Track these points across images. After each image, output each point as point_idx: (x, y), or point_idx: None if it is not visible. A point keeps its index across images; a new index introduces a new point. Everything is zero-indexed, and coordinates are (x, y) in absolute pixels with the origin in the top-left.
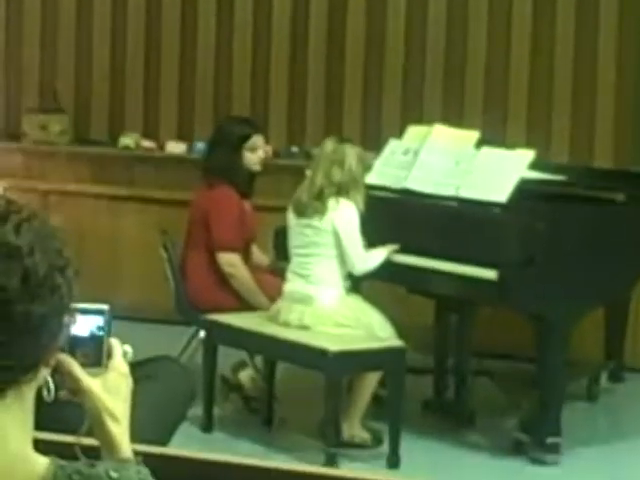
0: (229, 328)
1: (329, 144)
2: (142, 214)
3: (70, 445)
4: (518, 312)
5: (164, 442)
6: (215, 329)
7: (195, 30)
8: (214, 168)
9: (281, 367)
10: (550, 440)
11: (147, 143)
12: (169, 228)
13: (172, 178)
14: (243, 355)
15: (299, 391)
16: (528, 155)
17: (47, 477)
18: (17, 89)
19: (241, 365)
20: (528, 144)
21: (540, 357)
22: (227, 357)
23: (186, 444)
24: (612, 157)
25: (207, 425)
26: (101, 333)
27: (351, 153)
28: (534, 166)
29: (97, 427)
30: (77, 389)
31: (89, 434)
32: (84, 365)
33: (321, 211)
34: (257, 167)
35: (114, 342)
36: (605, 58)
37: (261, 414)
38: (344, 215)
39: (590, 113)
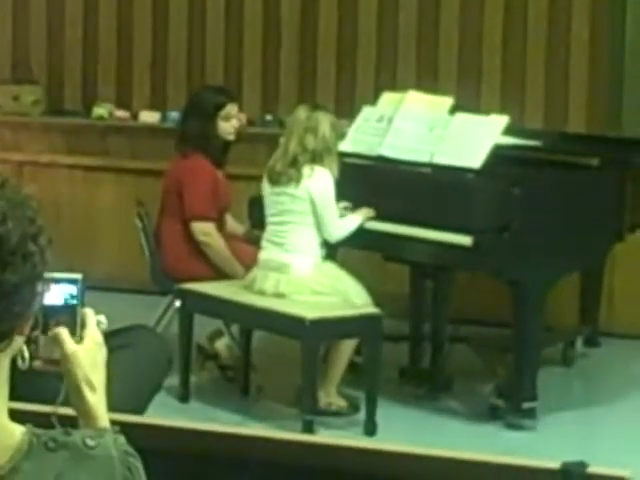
0: (204, 297)
1: (302, 111)
2: (117, 184)
3: (47, 415)
4: (493, 278)
5: (140, 411)
6: (190, 298)
7: None
8: (188, 137)
9: (257, 335)
10: (526, 405)
11: (121, 113)
12: (144, 198)
13: (146, 148)
14: (219, 324)
15: (275, 359)
16: (502, 121)
17: (22, 445)
18: None
19: (217, 334)
20: (502, 110)
21: (516, 322)
22: (203, 326)
23: (163, 414)
24: (586, 122)
25: (184, 394)
26: (75, 302)
27: (324, 120)
28: (508, 132)
29: (74, 396)
30: (61, 355)
31: (65, 404)
32: None
33: (296, 179)
34: (231, 136)
35: (88, 311)
36: (578, 22)
37: (238, 383)
38: (319, 182)
39: (563, 78)
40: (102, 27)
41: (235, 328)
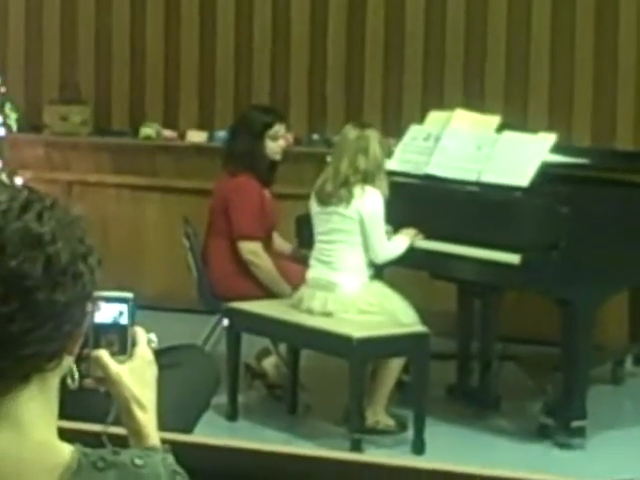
0: (252, 316)
1: (352, 131)
2: (164, 203)
3: (97, 434)
4: (542, 296)
5: (188, 430)
6: (238, 317)
7: (214, 19)
8: (236, 156)
9: (305, 354)
10: (575, 424)
11: (168, 133)
12: (191, 217)
13: (193, 167)
14: (267, 343)
15: (323, 378)
16: (550, 139)
17: (71, 465)
18: (38, 81)
19: (265, 353)
20: (550, 128)
21: (565, 341)
22: (251, 345)
23: (211, 432)
24: (633, 139)
25: (231, 413)
26: (125, 321)
27: (374, 139)
28: (556, 149)
29: (125, 415)
30: (105, 377)
31: (116, 423)
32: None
33: (347, 199)
34: (278, 156)
35: (138, 330)
36: (625, 40)
37: (285, 401)
38: (370, 203)
39: (611, 95)
40: (149, 47)
41: (282, 347)
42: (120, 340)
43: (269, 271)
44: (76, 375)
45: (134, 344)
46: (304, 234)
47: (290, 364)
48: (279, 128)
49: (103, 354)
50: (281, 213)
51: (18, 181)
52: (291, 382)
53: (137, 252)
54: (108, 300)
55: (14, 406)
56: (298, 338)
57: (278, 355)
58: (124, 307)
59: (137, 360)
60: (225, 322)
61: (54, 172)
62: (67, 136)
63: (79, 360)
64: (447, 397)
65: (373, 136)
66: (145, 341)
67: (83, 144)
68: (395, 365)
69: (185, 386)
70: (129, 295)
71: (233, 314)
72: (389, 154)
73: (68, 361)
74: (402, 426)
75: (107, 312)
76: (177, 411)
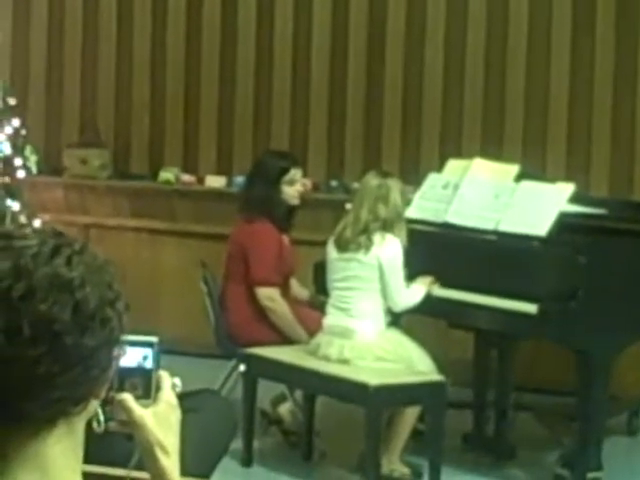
0: (269, 362)
1: (373, 179)
2: (182, 248)
3: (120, 478)
4: (559, 346)
5: (207, 475)
6: (255, 362)
7: (234, 65)
8: (252, 202)
9: (321, 401)
10: (591, 475)
11: (187, 177)
12: (209, 262)
13: (212, 212)
14: (283, 389)
15: (339, 425)
16: (568, 189)
17: None
18: (58, 124)
19: (281, 399)
20: (568, 178)
21: (582, 391)
22: (267, 391)
23: (227, 478)
24: None
25: (247, 459)
26: (149, 365)
27: (395, 188)
28: (574, 200)
29: (148, 460)
30: (129, 421)
31: (139, 467)
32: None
33: (366, 246)
34: (295, 201)
35: (163, 374)
36: None
37: (301, 448)
38: (390, 251)
39: (629, 146)
40: (169, 92)
41: (299, 393)
42: (144, 384)
43: (286, 317)
44: (102, 419)
45: (158, 388)
46: (322, 280)
47: (306, 410)
48: (295, 173)
49: (128, 398)
50: (299, 259)
51: (37, 223)
52: (307, 429)
53: (154, 296)
54: (133, 344)
55: (40, 448)
56: (314, 385)
57: (294, 401)
58: (149, 351)
59: (161, 404)
60: (242, 367)
61: (72, 215)
62: (86, 179)
63: (104, 403)
64: (463, 446)
65: (394, 185)
66: (169, 385)
67: (102, 187)
68: (411, 413)
69: (204, 431)
70: (154, 339)
71: (250, 359)
72: (408, 202)
73: (94, 405)
74: (418, 475)
75: (131, 356)
76: (198, 456)
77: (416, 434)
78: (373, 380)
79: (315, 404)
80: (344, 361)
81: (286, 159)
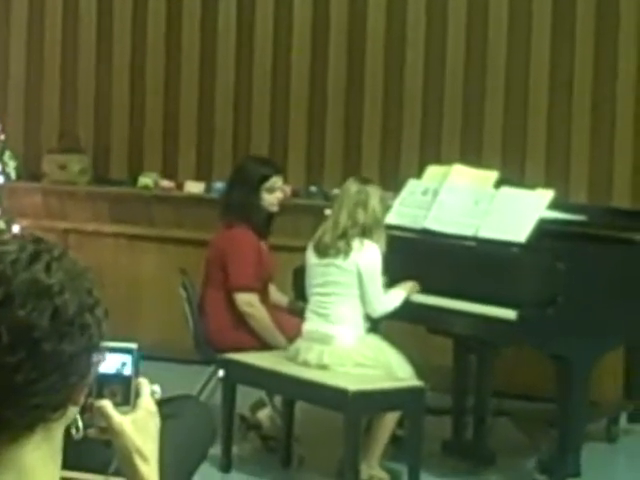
0: (248, 367)
1: (353, 185)
2: (161, 253)
3: None
4: (538, 352)
5: None
6: (234, 368)
7: (214, 70)
8: (232, 207)
9: (300, 406)
10: None
11: (166, 183)
12: (188, 267)
13: (191, 217)
14: (262, 394)
15: (318, 431)
16: (547, 195)
17: None
18: (37, 129)
19: (260, 404)
20: (547, 184)
21: (560, 397)
22: (246, 396)
23: None
24: (630, 197)
25: (226, 465)
26: (128, 372)
27: (374, 194)
28: (553, 206)
29: (127, 466)
30: (108, 428)
31: (118, 473)
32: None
33: (345, 251)
34: (274, 208)
35: (142, 381)
36: (623, 98)
37: (279, 453)
38: (368, 257)
39: (608, 153)
40: (148, 97)
41: (278, 399)
42: (123, 391)
43: (265, 322)
44: (80, 425)
45: (137, 395)
46: (301, 286)
47: (285, 416)
48: (276, 181)
49: (106, 404)
50: (278, 265)
51: (15, 229)
52: (285, 434)
53: (133, 301)
54: (113, 350)
55: (18, 455)
56: (293, 390)
57: (273, 407)
58: (128, 358)
59: (140, 411)
60: (221, 373)
61: (51, 220)
62: (65, 185)
63: (82, 410)
64: (442, 452)
65: (373, 192)
66: (149, 392)
67: (81, 193)
68: (390, 419)
69: (183, 437)
70: (133, 346)
71: (229, 365)
72: (388, 209)
73: (73, 411)
74: None
75: (110, 362)
76: (176, 462)
77: (395, 440)
78: (352, 386)
79: (294, 410)
80: (323, 367)
81: (268, 166)
